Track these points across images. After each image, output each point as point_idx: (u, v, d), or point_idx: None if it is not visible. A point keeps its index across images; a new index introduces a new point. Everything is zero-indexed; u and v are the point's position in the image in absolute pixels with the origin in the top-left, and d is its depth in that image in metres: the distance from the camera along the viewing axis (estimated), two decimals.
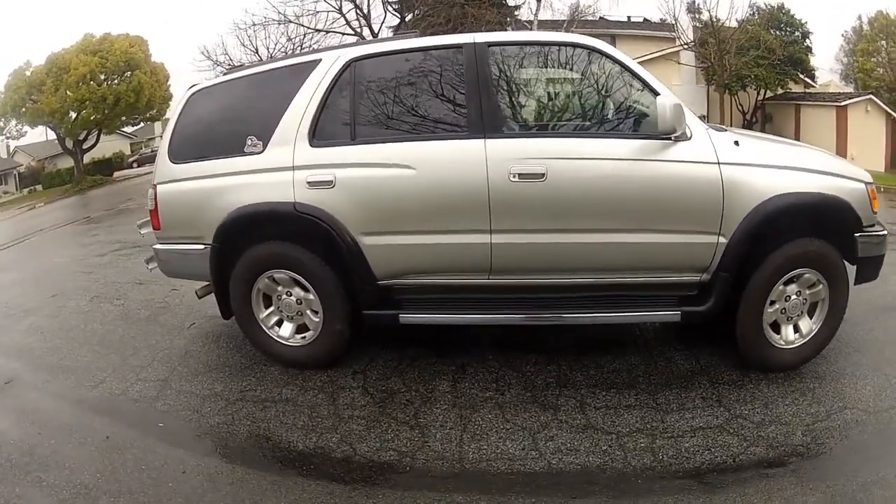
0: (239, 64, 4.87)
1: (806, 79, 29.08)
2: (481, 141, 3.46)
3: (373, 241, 3.69)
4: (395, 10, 23.93)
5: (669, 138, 3.29)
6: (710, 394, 3.34)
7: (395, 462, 3.08)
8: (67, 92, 29.25)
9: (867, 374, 3.59)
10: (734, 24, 26.10)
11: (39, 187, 39.00)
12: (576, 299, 3.58)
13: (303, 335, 4.13)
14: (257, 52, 29.11)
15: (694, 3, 26.82)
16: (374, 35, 22.35)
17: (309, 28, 22.79)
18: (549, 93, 4.03)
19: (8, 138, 36.14)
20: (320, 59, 3.95)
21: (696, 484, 2.62)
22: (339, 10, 21.53)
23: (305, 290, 3.96)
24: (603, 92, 3.75)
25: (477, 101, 3.54)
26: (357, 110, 3.79)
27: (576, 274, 3.54)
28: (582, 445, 2.88)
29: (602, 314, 3.51)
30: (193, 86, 4.42)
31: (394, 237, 3.67)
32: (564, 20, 27.55)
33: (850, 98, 26.34)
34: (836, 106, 25.61)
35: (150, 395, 4.25)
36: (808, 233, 3.41)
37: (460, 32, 20.61)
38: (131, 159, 44.63)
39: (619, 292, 3.56)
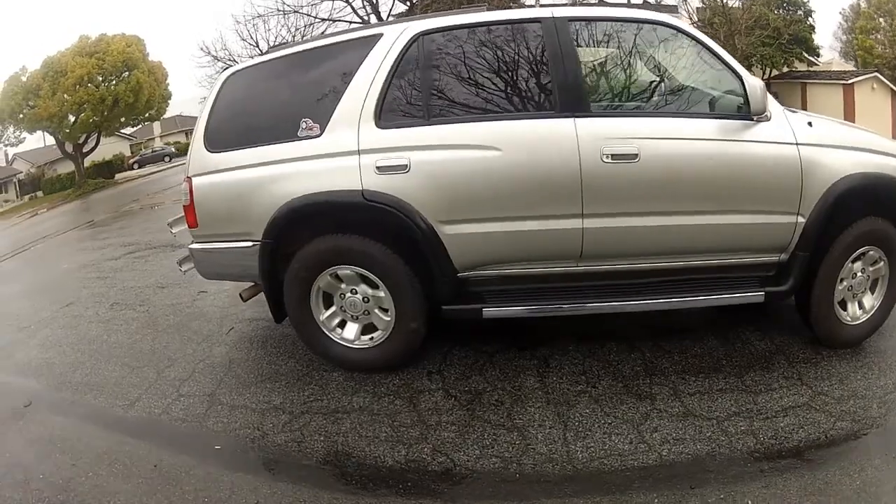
0: (266, 49, 4.38)
1: (810, 57, 28.75)
2: (571, 120, 3.24)
3: (454, 229, 3.35)
4: None
5: (752, 119, 3.24)
6: (791, 373, 3.33)
7: (500, 469, 2.78)
8: (65, 95, 28.62)
9: None
10: (736, 4, 25.68)
11: (40, 193, 38.39)
12: (659, 284, 3.41)
13: (370, 336, 3.72)
14: (258, 46, 28.61)
15: None
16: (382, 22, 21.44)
17: (313, 17, 21.87)
18: (632, 71, 3.76)
19: (6, 145, 35.46)
20: (382, 34, 3.59)
21: (800, 462, 2.65)
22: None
23: (374, 286, 3.56)
24: (686, 71, 3.63)
25: (563, 78, 3.31)
26: (430, 88, 3.46)
27: (663, 257, 3.40)
28: (687, 434, 2.80)
29: (689, 298, 3.35)
30: (227, 68, 4.07)
31: (477, 224, 3.35)
32: (565, 3, 27.08)
33: (855, 76, 26.19)
34: (843, 84, 25.52)
35: (197, 412, 3.76)
36: (872, 211, 3.43)
37: None
38: (132, 161, 43.92)
39: (701, 275, 3.42)
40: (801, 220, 3.32)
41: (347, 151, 3.43)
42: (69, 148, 32.05)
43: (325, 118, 3.52)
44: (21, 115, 29.49)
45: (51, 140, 34.25)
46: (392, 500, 2.68)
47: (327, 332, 3.75)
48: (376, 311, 3.63)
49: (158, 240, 10.01)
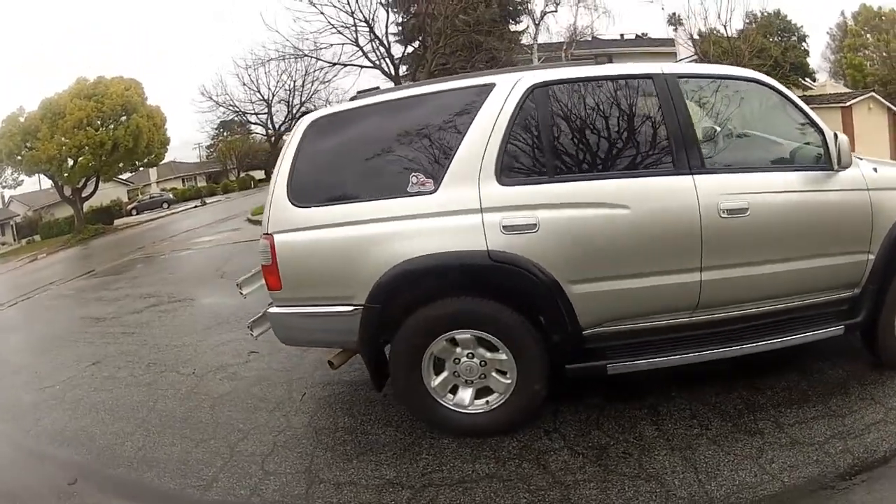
0: (362, 91, 4.03)
1: (806, 82, 28.97)
2: (690, 177, 3.27)
3: (582, 289, 3.25)
4: (396, 40, 23.09)
5: (834, 169, 3.41)
6: (864, 394, 3.54)
7: None
8: (63, 138, 28.15)
9: None
10: (731, 32, 25.79)
11: (37, 237, 37.58)
12: (758, 327, 3.47)
13: (485, 400, 3.47)
14: (259, 91, 28.60)
15: (675, 15, 26.55)
16: (395, 67, 20.76)
17: (327, 62, 21.50)
18: (733, 126, 3.84)
19: (4, 187, 34.91)
20: (494, 84, 3.43)
21: (889, 469, 2.91)
22: (356, 43, 19.98)
23: (492, 349, 3.36)
24: (775, 125, 3.78)
25: (679, 134, 3.32)
26: (550, 143, 3.34)
27: (764, 302, 3.49)
28: (798, 460, 2.96)
29: (785, 338, 3.41)
30: (307, 113, 3.77)
31: (605, 283, 3.27)
32: (563, 42, 27.22)
33: (852, 98, 26.17)
34: (841, 106, 25.33)
35: (295, 492, 3.27)
36: None
37: (470, 60, 20.42)
38: (129, 206, 43.42)
39: (790, 315, 3.55)
40: (870, 257, 3.51)
41: (468, 210, 3.23)
42: (68, 192, 31.58)
43: (438, 173, 3.31)
44: (19, 157, 29.05)
45: (47, 183, 33.75)
46: None
47: (438, 399, 3.48)
48: (493, 374, 3.42)
49: (181, 292, 9.50)
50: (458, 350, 3.40)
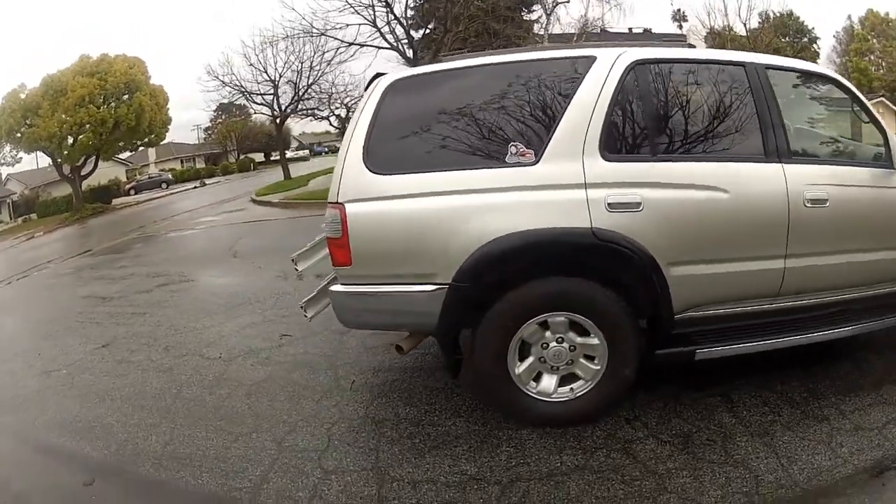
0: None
1: None
2: (779, 166, 3.25)
3: (678, 271, 3.12)
4: (410, 24, 22.32)
5: (894, 168, 3.50)
6: (888, 380, 3.59)
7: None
8: (64, 115, 27.29)
9: None
10: (741, 30, 25.31)
11: (34, 216, 36.57)
12: (832, 315, 3.50)
13: (569, 387, 3.22)
14: (266, 72, 27.93)
15: (679, 11, 26.03)
16: (414, 50, 19.61)
17: (343, 42, 20.63)
18: (811, 120, 3.97)
19: (1, 164, 33.96)
20: (595, 56, 3.25)
21: None
22: (374, 24, 18.91)
23: (583, 334, 3.13)
24: (849, 124, 3.90)
25: (769, 122, 3.30)
26: (650, 121, 3.24)
27: (838, 291, 3.52)
28: (864, 444, 3.01)
29: (858, 325, 3.45)
30: (381, 75, 3.38)
31: (699, 266, 3.17)
32: (574, 33, 26.67)
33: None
34: None
35: (364, 493, 2.84)
36: None
37: (486, 47, 19.79)
38: (128, 186, 42.47)
39: (858, 305, 3.60)
40: None
41: (572, 185, 3.03)
42: (66, 170, 30.55)
43: (538, 144, 3.08)
44: (19, 134, 28.15)
45: (45, 161, 32.83)
46: None
47: (522, 387, 3.18)
48: (581, 360, 3.19)
49: (192, 271, 8.93)
50: (548, 334, 3.12)
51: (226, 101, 30.53)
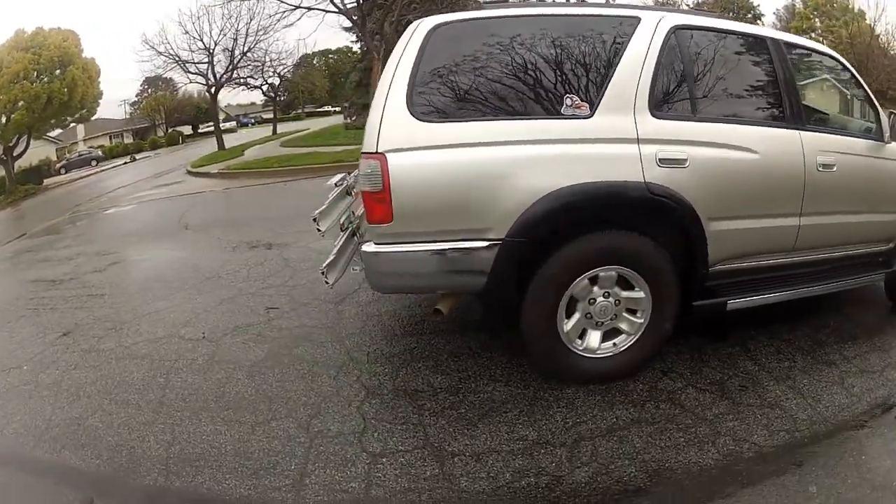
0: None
1: None
2: (797, 132, 3.35)
3: (716, 226, 3.12)
4: None
5: (884, 141, 3.70)
6: (877, 329, 3.86)
7: (792, 439, 2.76)
8: None
9: None
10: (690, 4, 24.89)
11: None
12: (829, 271, 3.73)
13: (612, 342, 3.11)
14: (201, 40, 26.40)
15: None
16: (362, 15, 18.27)
17: (289, 4, 18.97)
18: (820, 94, 4.16)
19: None
20: (639, 17, 3.18)
21: None
22: None
23: (628, 288, 3.04)
24: (852, 101, 4.05)
25: (789, 93, 3.40)
26: (691, 83, 3.18)
27: (838, 248, 3.74)
28: (871, 385, 3.20)
29: (845, 279, 3.73)
30: (423, 20, 3.07)
31: (733, 222, 3.20)
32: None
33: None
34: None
35: (427, 474, 2.50)
36: None
37: (432, 11, 18.50)
38: (58, 165, 38.83)
39: (852, 262, 3.85)
40: None
41: (626, 139, 2.90)
42: None
43: (592, 98, 2.91)
44: None
45: None
46: (764, 486, 2.45)
47: (569, 345, 3.01)
48: (624, 314, 3.11)
49: (144, 247, 7.95)
50: (595, 289, 2.97)
51: (160, 70, 28.37)
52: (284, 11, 18.88)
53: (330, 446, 2.63)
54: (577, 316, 2.99)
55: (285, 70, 32.73)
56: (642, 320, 3.08)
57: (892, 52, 22.98)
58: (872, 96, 3.88)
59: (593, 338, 3.06)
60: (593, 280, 2.95)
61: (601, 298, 2.99)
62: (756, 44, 3.45)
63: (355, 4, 17.95)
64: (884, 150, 3.76)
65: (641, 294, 3.03)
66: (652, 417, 2.88)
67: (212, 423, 2.94)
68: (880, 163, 3.75)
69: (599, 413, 2.90)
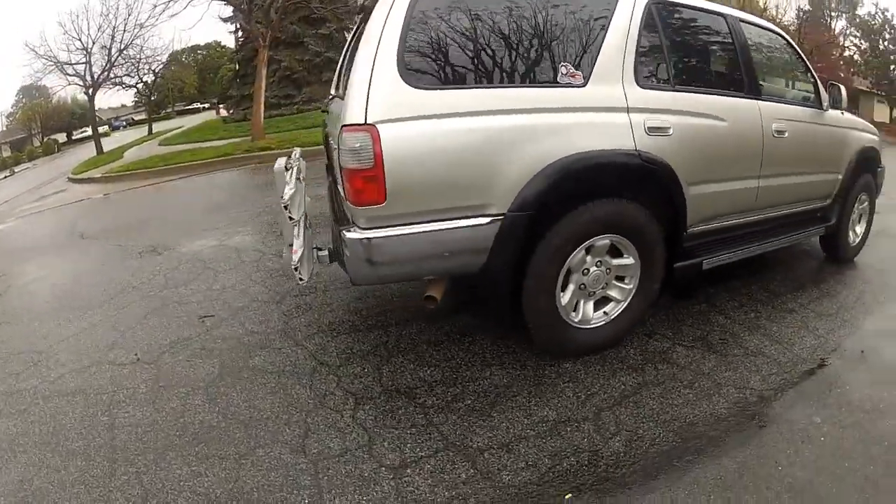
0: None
1: None
2: (756, 102, 3.47)
3: (694, 190, 3.13)
4: None
5: (823, 108, 3.95)
6: (840, 280, 4.31)
7: (786, 382, 2.89)
8: None
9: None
10: None
11: None
12: (780, 227, 3.91)
13: (602, 311, 3.02)
14: (80, 40, 24.04)
15: None
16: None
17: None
18: (770, 67, 4.21)
19: None
20: None
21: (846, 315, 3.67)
22: None
23: (617, 255, 2.96)
24: (796, 73, 4.26)
25: (747, 65, 3.51)
26: (668, 55, 3.13)
27: (788, 206, 3.92)
28: (833, 325, 3.50)
29: (800, 233, 4.04)
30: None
31: (708, 185, 3.24)
32: None
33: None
34: None
35: (462, 477, 2.23)
36: (866, 170, 4.47)
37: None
38: None
39: (798, 218, 4.09)
40: (839, 176, 4.18)
41: (617, 108, 2.80)
42: None
43: (585, 67, 2.75)
44: None
45: None
46: (777, 425, 2.54)
47: (565, 318, 2.86)
48: (613, 282, 3.03)
49: (39, 264, 6.66)
50: (589, 259, 2.84)
51: (39, 75, 25.73)
52: (169, 1, 17.13)
53: (340, 467, 2.21)
54: (571, 288, 2.83)
55: (160, 66, 30.59)
56: (631, 286, 3.02)
57: (780, 24, 24.55)
58: (812, 69, 4.11)
59: (587, 308, 2.94)
60: (588, 250, 2.83)
61: (594, 268, 2.87)
62: (718, 20, 3.50)
63: None
64: (823, 117, 3.99)
65: (631, 260, 2.96)
66: (655, 379, 2.82)
67: (186, 465, 2.36)
68: (821, 128, 3.98)
69: (606, 382, 2.78)
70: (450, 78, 2.49)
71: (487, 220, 2.48)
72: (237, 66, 26.24)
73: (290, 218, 2.65)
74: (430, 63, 2.44)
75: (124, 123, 53.09)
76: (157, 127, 35.51)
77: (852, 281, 4.35)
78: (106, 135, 42.40)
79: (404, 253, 2.44)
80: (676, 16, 3.33)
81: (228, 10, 21.56)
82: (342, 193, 2.54)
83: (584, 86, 2.73)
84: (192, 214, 7.24)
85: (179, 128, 31.30)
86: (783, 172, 3.72)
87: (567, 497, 2.03)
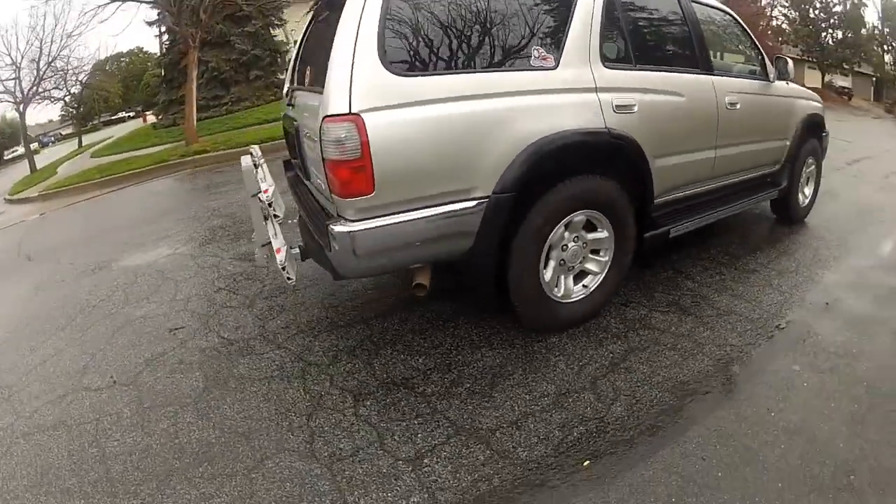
0: None
1: None
2: (710, 77, 3.60)
3: (658, 163, 3.23)
4: None
5: (770, 80, 4.15)
6: (794, 240, 4.56)
7: (761, 336, 3.09)
8: None
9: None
10: None
11: None
12: (736, 193, 4.12)
13: (581, 284, 3.11)
14: (10, 55, 22.49)
15: None
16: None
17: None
18: (720, 43, 4.42)
19: None
20: None
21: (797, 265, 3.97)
22: None
23: (592, 229, 3.03)
24: (743, 48, 4.41)
25: (699, 43, 3.63)
26: (629, 35, 3.20)
27: (742, 173, 4.11)
28: (794, 282, 3.72)
29: (754, 197, 4.23)
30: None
31: (669, 158, 3.34)
32: None
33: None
34: None
35: (480, 459, 2.26)
36: (812, 136, 4.73)
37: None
38: None
39: (752, 183, 4.31)
40: (787, 143, 4.40)
41: (587, 88, 2.86)
42: None
43: (554, 49, 2.80)
44: None
45: None
46: (764, 374, 2.71)
47: (549, 293, 2.92)
48: (589, 255, 3.11)
49: None
50: (566, 235, 2.90)
51: None
52: (98, 6, 16.08)
53: (356, 467, 2.18)
54: (552, 264, 2.89)
55: (86, 76, 29.14)
56: (606, 258, 3.11)
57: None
58: (758, 43, 4.30)
59: (569, 283, 3.02)
60: (566, 226, 2.89)
61: (572, 243, 2.95)
62: (671, 1, 3.61)
63: None
64: (770, 88, 4.18)
65: (605, 234, 3.06)
66: (640, 345, 2.92)
67: (193, 488, 2.26)
68: (769, 99, 4.18)
69: (594, 352, 2.86)
70: (430, 64, 2.46)
71: (474, 202, 2.49)
72: (163, 70, 25.05)
73: (276, 216, 2.58)
74: (409, 50, 2.40)
75: (53, 139, 51.17)
76: (86, 139, 33.78)
77: (806, 240, 4.55)
78: (36, 152, 40.00)
79: (394, 242, 2.41)
80: None
81: (153, 14, 20.55)
82: (324, 186, 2.45)
83: (555, 68, 2.76)
84: (138, 225, 6.91)
85: (109, 138, 29.94)
86: (736, 142, 3.86)
87: (586, 464, 2.10)
